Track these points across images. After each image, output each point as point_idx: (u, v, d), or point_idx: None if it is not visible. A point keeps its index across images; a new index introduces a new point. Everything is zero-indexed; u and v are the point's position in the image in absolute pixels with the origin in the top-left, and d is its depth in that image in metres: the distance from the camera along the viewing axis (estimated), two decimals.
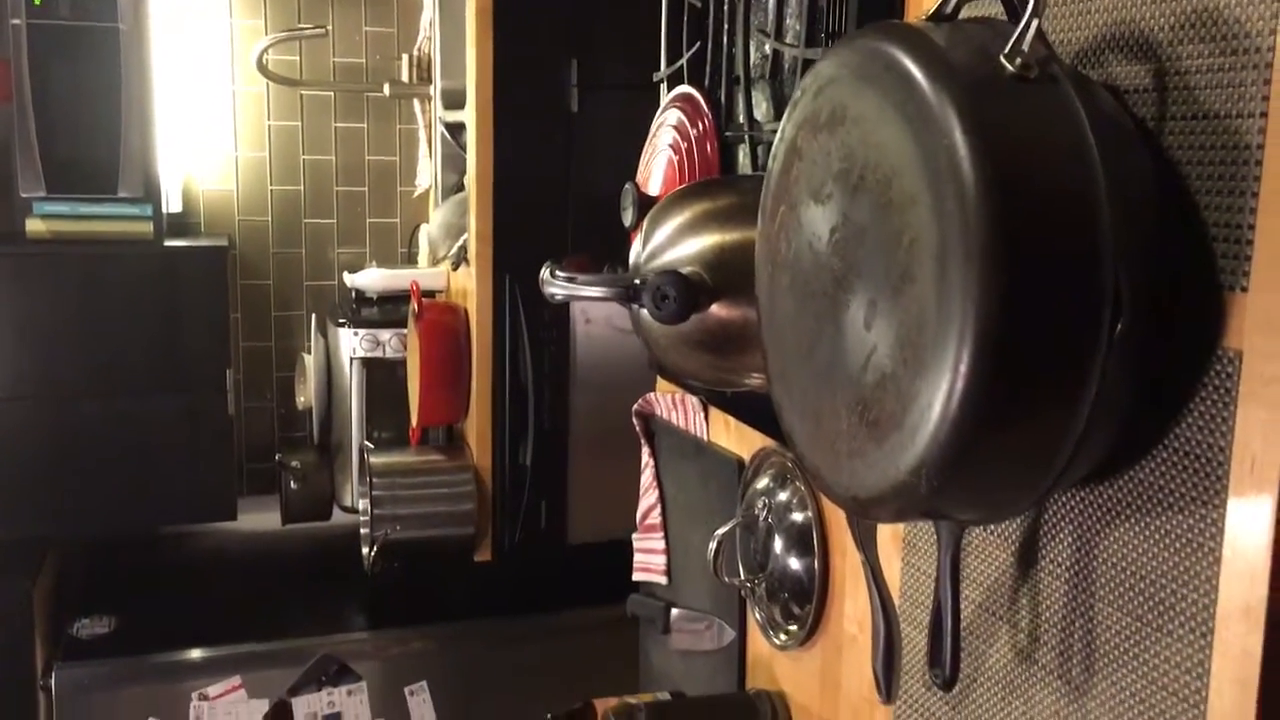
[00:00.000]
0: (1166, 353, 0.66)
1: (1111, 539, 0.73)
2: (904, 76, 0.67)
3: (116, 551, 2.90)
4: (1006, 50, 0.65)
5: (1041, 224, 0.62)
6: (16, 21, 2.57)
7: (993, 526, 0.85)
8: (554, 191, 2.57)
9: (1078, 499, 0.76)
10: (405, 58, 3.03)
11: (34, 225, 2.65)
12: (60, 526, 2.75)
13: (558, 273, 1.05)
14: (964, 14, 0.72)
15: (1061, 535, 0.78)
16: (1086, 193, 0.62)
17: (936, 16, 0.72)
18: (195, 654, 2.44)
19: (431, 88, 2.93)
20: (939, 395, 0.64)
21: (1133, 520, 0.72)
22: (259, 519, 3.00)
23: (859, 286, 0.72)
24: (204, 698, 2.38)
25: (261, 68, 2.93)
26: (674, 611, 1.44)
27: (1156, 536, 0.70)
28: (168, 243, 2.75)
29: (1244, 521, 0.64)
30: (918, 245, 0.66)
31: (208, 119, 3.06)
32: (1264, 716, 0.63)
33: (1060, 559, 0.78)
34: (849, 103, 0.73)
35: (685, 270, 1.01)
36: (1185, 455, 0.67)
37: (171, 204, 2.91)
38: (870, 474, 0.71)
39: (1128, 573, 0.72)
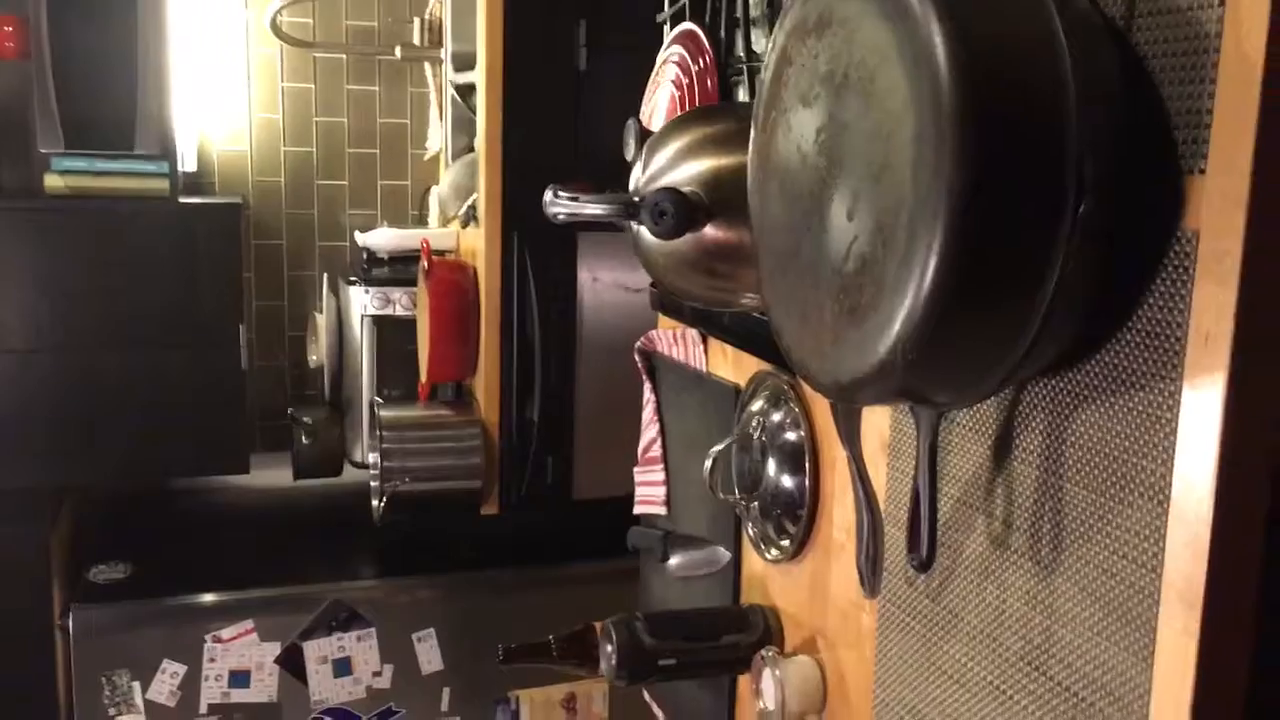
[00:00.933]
0: (1130, 234, 0.70)
1: (1079, 421, 0.77)
2: None
3: (132, 502, 2.96)
4: None
5: (1011, 109, 0.66)
6: None
7: (971, 420, 0.89)
8: (562, 151, 2.61)
9: (1049, 386, 0.80)
10: (417, 21, 3.07)
11: (52, 181, 2.70)
12: (77, 476, 2.80)
13: (561, 193, 1.09)
14: None
15: (1034, 423, 0.82)
16: (1054, 81, 0.66)
17: None
18: (209, 598, 2.50)
19: (442, 51, 2.97)
20: (914, 275, 0.68)
21: (1099, 401, 0.76)
22: (272, 475, 3.05)
23: (842, 180, 0.76)
24: (217, 640, 2.44)
25: (275, 29, 2.97)
26: (673, 538, 1.49)
27: (1120, 414, 0.74)
28: (183, 200, 2.79)
29: (1198, 393, 0.68)
30: (897, 136, 0.70)
31: (222, 80, 3.10)
32: (1211, 577, 0.67)
33: (1032, 446, 0.82)
34: (834, 5, 0.77)
35: (683, 189, 1.05)
36: (1146, 334, 0.71)
37: (187, 163, 2.96)
38: (852, 357, 0.75)
39: (1094, 451, 0.76)
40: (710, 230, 1.08)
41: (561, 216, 1.10)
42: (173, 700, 2.43)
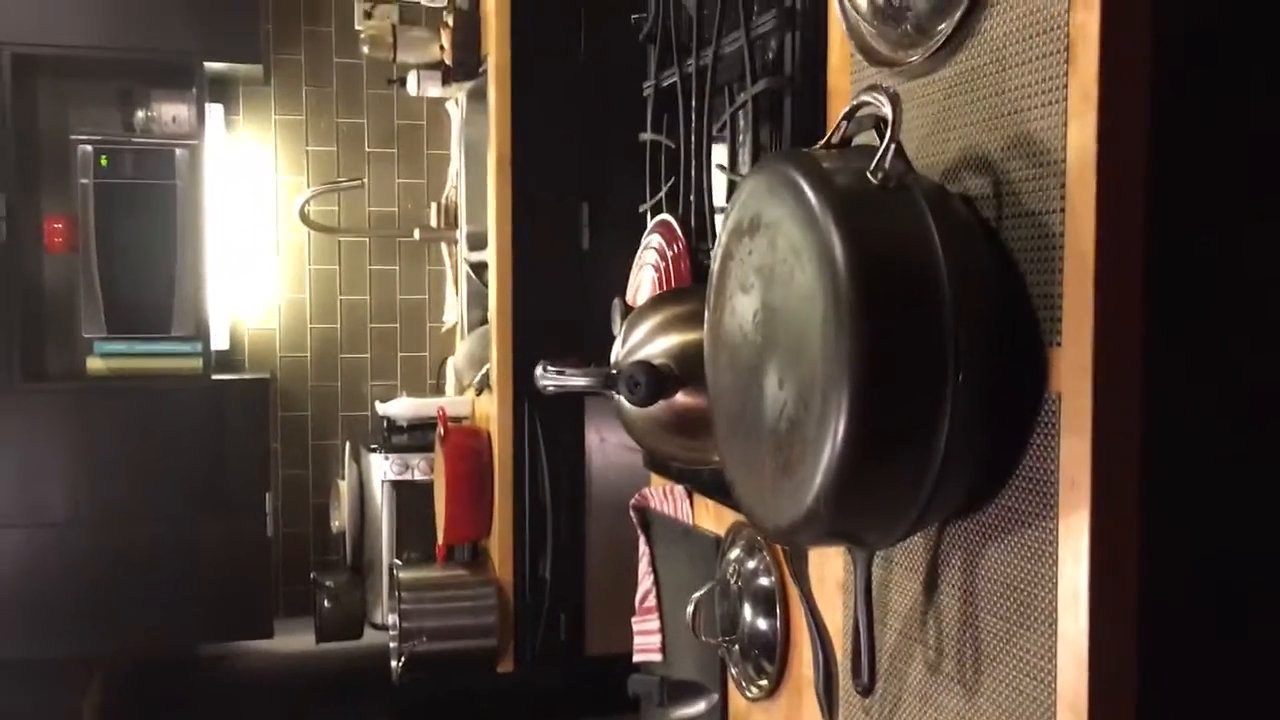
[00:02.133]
0: (1007, 396, 0.84)
1: (988, 556, 0.90)
2: (797, 190, 0.87)
3: (160, 669, 3.05)
4: (871, 167, 0.85)
5: (895, 296, 0.81)
6: (85, 180, 2.86)
7: (905, 562, 1.01)
8: (568, 322, 2.78)
9: (963, 526, 0.92)
10: (434, 205, 3.30)
11: (94, 363, 2.89)
12: (107, 645, 2.91)
13: (549, 368, 1.24)
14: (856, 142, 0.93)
15: (954, 559, 0.94)
16: (929, 273, 0.81)
17: (827, 144, 0.93)
18: None
19: (458, 231, 3.19)
20: (828, 435, 0.81)
21: (1001, 538, 0.88)
22: (294, 639, 3.14)
23: (774, 357, 0.90)
24: None
25: (303, 217, 3.21)
26: (669, 683, 1.58)
27: (1017, 550, 0.86)
28: (215, 377, 2.97)
29: (1070, 530, 0.80)
30: (810, 319, 0.84)
31: (253, 265, 3.33)
32: (1094, 689, 0.79)
33: (953, 580, 0.94)
34: (763, 211, 0.93)
35: (655, 361, 1.20)
36: (1031, 481, 0.84)
37: (219, 342, 3.15)
38: (786, 505, 0.88)
39: (1000, 583, 0.88)
40: (681, 397, 1.22)
41: (550, 388, 1.24)
42: None
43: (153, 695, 2.93)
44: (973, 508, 0.91)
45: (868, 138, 0.91)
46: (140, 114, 3.04)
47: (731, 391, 0.99)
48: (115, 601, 2.87)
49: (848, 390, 0.80)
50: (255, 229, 3.34)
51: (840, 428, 0.80)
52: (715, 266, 1.02)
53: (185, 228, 2.93)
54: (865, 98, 0.88)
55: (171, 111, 3.00)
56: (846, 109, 0.91)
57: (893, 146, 0.85)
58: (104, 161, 2.87)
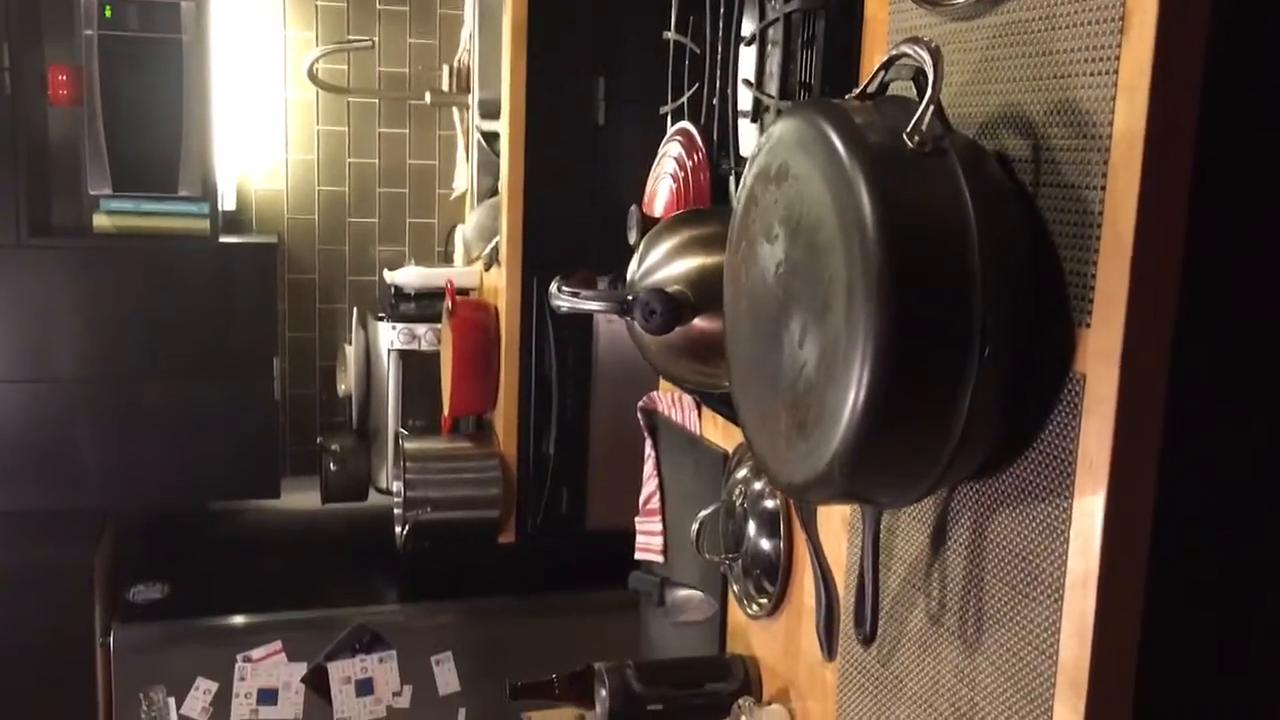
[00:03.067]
0: (1032, 373, 0.83)
1: (997, 522, 0.90)
2: (828, 146, 0.84)
3: (170, 523, 3.12)
4: (909, 128, 0.82)
5: (924, 268, 0.79)
6: (89, 32, 2.78)
7: (913, 512, 1.02)
8: (580, 199, 2.74)
9: (974, 490, 0.92)
10: (446, 68, 3.21)
11: (100, 220, 2.86)
12: (119, 499, 2.97)
13: (563, 288, 1.22)
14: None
15: (963, 519, 0.94)
16: (961, 245, 0.79)
17: (862, 94, 0.89)
18: (240, 619, 2.64)
19: (470, 97, 3.11)
20: (846, 404, 0.81)
21: (1012, 507, 0.88)
22: (301, 498, 3.20)
23: (795, 313, 0.89)
24: (247, 659, 2.59)
25: (312, 76, 3.13)
26: (669, 586, 1.62)
27: (1028, 521, 0.86)
28: (222, 239, 2.95)
29: (1084, 510, 0.80)
30: (835, 282, 0.82)
31: (261, 123, 3.26)
32: (1095, 665, 0.80)
33: (961, 539, 0.95)
34: (791, 162, 0.90)
35: (671, 288, 1.18)
36: (1047, 457, 0.84)
37: (226, 202, 3.12)
38: (800, 464, 0.88)
39: (1008, 550, 0.89)
40: (697, 322, 1.21)
41: (564, 309, 1.23)
42: (205, 716, 2.57)
43: (163, 548, 3.00)
44: (986, 473, 0.91)
45: (903, 86, 0.87)
46: None
47: (750, 338, 0.98)
48: (125, 458, 2.92)
49: (870, 363, 0.78)
50: (263, 87, 3.26)
51: (860, 399, 0.79)
52: (739, 207, 1.00)
53: (191, 84, 2.86)
54: (905, 49, 0.84)
55: None
56: (884, 58, 0.87)
57: (930, 108, 0.81)
58: (108, 12, 2.79)
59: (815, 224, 0.86)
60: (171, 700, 2.56)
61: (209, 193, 2.90)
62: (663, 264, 1.24)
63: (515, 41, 2.69)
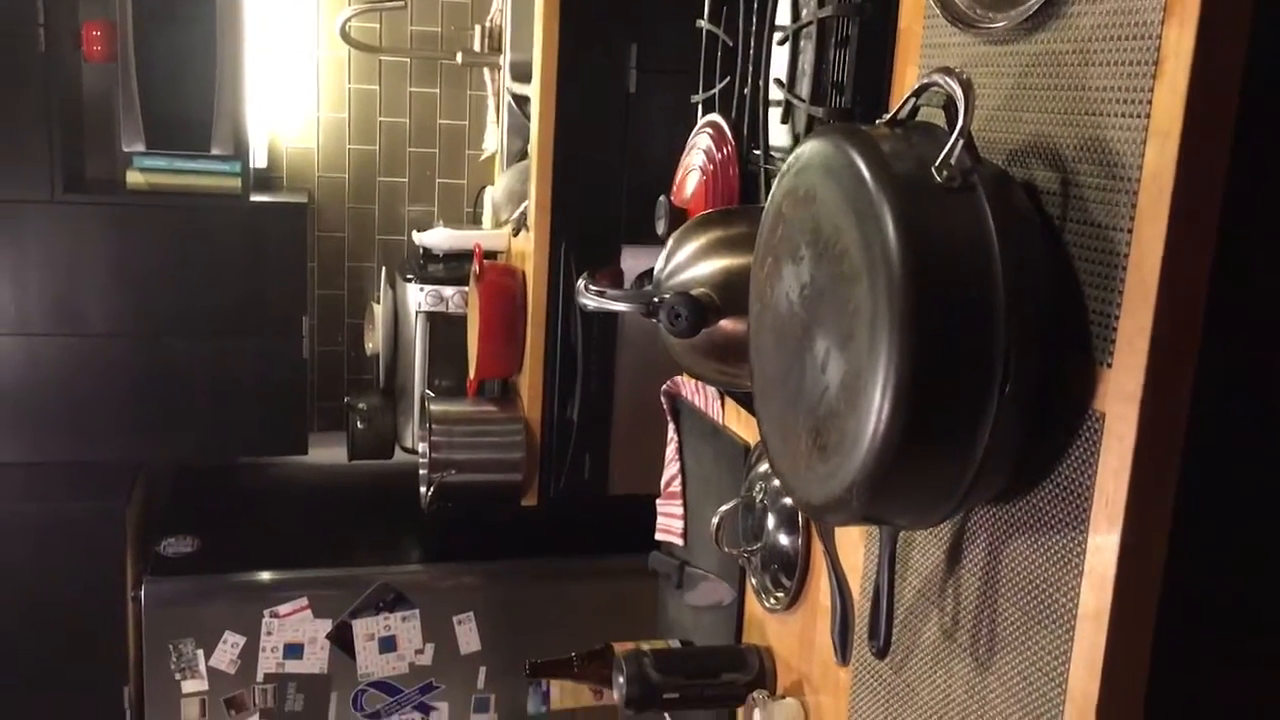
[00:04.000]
0: (1051, 409, 0.84)
1: (1012, 548, 0.91)
2: (856, 175, 0.84)
3: (200, 478, 3.17)
4: (937, 163, 0.82)
5: (948, 306, 0.79)
6: None
7: (931, 529, 1.03)
8: (610, 167, 2.74)
9: (991, 514, 0.94)
10: (478, 28, 3.20)
11: (134, 177, 2.88)
12: (149, 452, 3.02)
13: (590, 286, 1.23)
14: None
15: (978, 541, 0.96)
16: (986, 283, 0.79)
17: (892, 120, 0.89)
18: (267, 575, 2.70)
19: (501, 58, 3.10)
20: (867, 432, 0.82)
21: (1028, 536, 0.89)
22: (328, 454, 3.24)
23: (819, 336, 0.90)
24: (274, 615, 2.64)
25: (344, 35, 3.12)
26: (687, 569, 1.64)
27: (1042, 550, 0.88)
28: (253, 197, 2.97)
29: (1099, 545, 0.81)
30: (859, 313, 0.83)
31: (293, 81, 3.26)
32: (1103, 699, 0.81)
33: (976, 560, 0.96)
34: (818, 186, 0.90)
35: (696, 292, 1.19)
36: (1064, 489, 0.85)
37: (258, 160, 3.13)
38: (818, 486, 0.89)
39: (1022, 576, 0.90)
40: (722, 324, 1.22)
41: (590, 307, 1.24)
42: (233, 669, 2.64)
43: (193, 501, 3.05)
44: (1003, 500, 0.92)
45: (932, 112, 0.87)
46: None
47: (774, 355, 0.99)
48: (155, 412, 2.96)
49: (891, 396, 0.79)
50: (295, 45, 3.26)
51: (880, 431, 0.81)
52: (766, 223, 1.00)
53: (224, 42, 2.86)
54: (937, 78, 0.84)
55: None
56: (915, 86, 0.87)
57: (961, 142, 0.82)
58: None
59: (840, 252, 0.86)
60: (200, 652, 2.62)
61: (241, 151, 2.91)
62: (689, 264, 1.25)
63: (548, 3, 2.67)
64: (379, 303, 3.22)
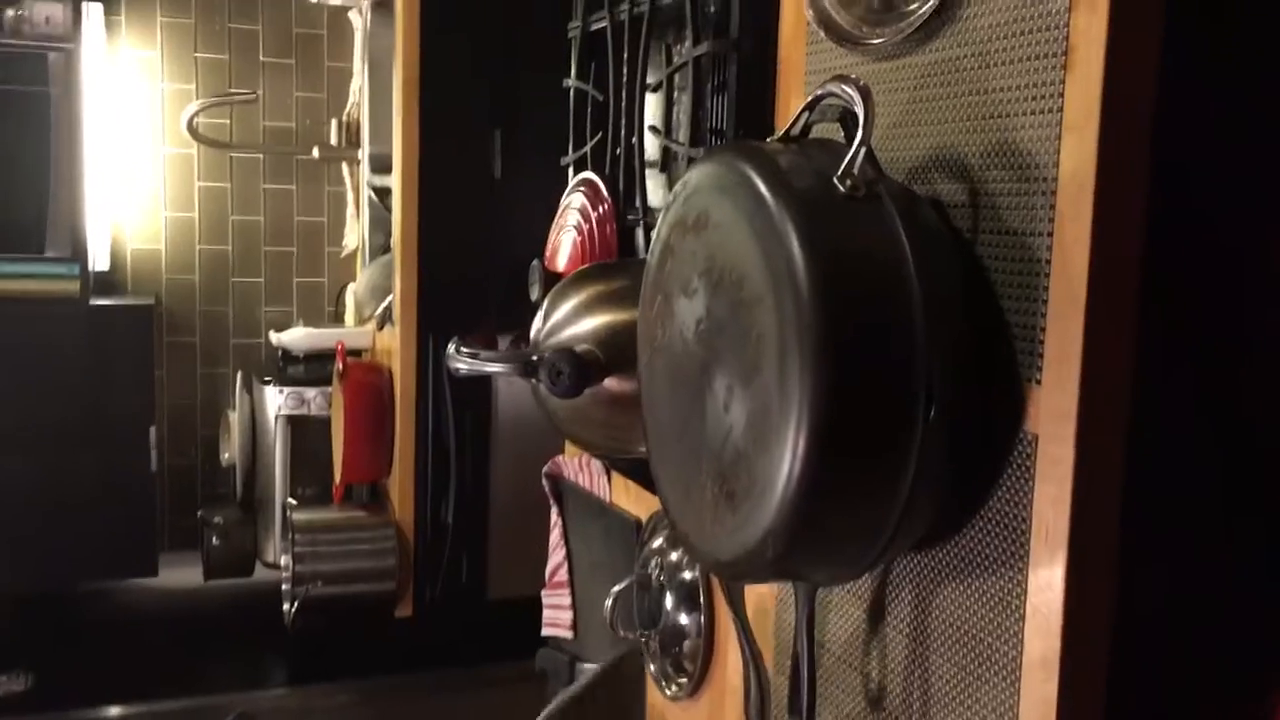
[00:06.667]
0: (978, 435, 0.76)
1: (942, 597, 0.83)
2: (753, 193, 0.77)
3: (36, 606, 2.89)
4: (839, 173, 0.75)
5: (862, 325, 0.72)
6: None
7: (850, 586, 0.94)
8: (477, 254, 2.65)
9: (916, 562, 0.85)
10: (334, 122, 3.11)
11: None
12: None
13: (461, 349, 1.13)
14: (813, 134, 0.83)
15: (903, 594, 0.87)
16: (902, 298, 0.72)
17: (785, 137, 0.83)
18: (114, 711, 2.45)
19: (360, 152, 3.01)
20: (781, 473, 0.73)
21: (958, 581, 0.81)
22: (181, 575, 3.01)
23: (719, 373, 0.81)
24: None
25: (192, 130, 2.99)
26: (579, 665, 1.52)
27: (976, 595, 0.79)
28: (94, 301, 2.78)
29: (1041, 582, 0.73)
30: (764, 341, 0.75)
31: (137, 179, 3.11)
32: None
33: (902, 615, 0.87)
34: (711, 209, 0.83)
35: (579, 348, 1.10)
36: (997, 524, 0.77)
37: (99, 263, 2.95)
38: (728, 540, 0.80)
39: (955, 628, 0.82)
40: (607, 383, 1.13)
41: (462, 371, 1.14)
42: None
43: (28, 635, 2.78)
44: (929, 544, 0.84)
45: (827, 129, 0.81)
46: (9, 13, 2.77)
47: (668, 402, 0.90)
48: None
49: (805, 429, 0.71)
50: (139, 142, 3.11)
51: (795, 469, 0.72)
52: (653, 259, 0.92)
53: (60, 139, 2.70)
54: (832, 88, 0.78)
55: (44, 11, 2.73)
56: (810, 98, 0.81)
57: (863, 150, 0.75)
58: None
59: (740, 277, 0.78)
60: None
61: (79, 252, 2.73)
62: (569, 322, 1.16)
63: (407, 93, 2.60)
64: (235, 410, 3.04)
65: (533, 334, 1.19)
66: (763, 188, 0.76)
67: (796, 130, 0.82)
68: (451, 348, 1.14)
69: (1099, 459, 0.71)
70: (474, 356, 1.12)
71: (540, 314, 1.19)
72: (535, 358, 1.09)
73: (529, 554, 2.20)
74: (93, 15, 2.83)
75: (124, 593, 3.00)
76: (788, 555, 0.76)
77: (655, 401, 0.93)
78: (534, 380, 1.12)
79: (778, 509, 0.74)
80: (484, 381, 2.70)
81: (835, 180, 0.75)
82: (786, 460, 0.72)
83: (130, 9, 3.01)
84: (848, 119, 0.79)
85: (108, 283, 3.04)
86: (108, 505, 2.82)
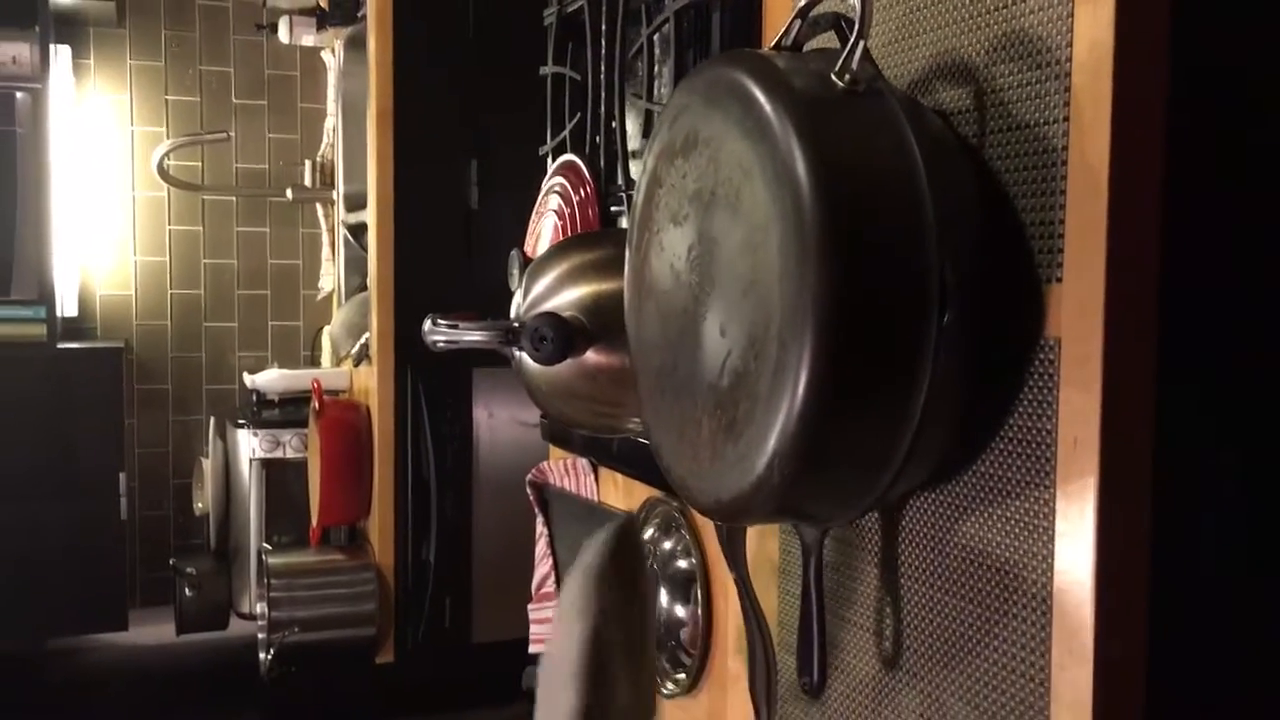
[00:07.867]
0: (995, 342, 0.71)
1: (960, 533, 0.77)
2: (745, 96, 0.72)
3: (3, 667, 2.78)
4: (837, 68, 0.70)
5: (870, 221, 0.67)
6: None
7: (857, 539, 0.88)
8: (455, 287, 2.61)
9: (930, 500, 0.79)
10: (308, 163, 3.07)
11: None
12: None
13: (439, 321, 1.07)
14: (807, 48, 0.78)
15: (917, 538, 0.81)
16: (911, 193, 0.67)
17: (778, 46, 0.78)
18: None
19: (334, 192, 2.97)
20: (786, 387, 0.67)
21: (978, 513, 0.75)
22: (152, 631, 2.90)
23: (714, 296, 0.75)
24: None
25: (162, 172, 2.95)
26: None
27: (999, 524, 0.73)
28: (61, 345, 2.71)
29: (1072, 499, 0.67)
30: (763, 248, 0.70)
31: (107, 223, 3.05)
32: (1099, 686, 0.66)
33: (917, 562, 0.81)
34: (700, 126, 0.78)
35: (563, 314, 1.04)
36: (1019, 443, 0.71)
37: (67, 308, 2.88)
38: (730, 474, 0.74)
39: (976, 564, 0.75)
40: (592, 355, 1.07)
41: (440, 344, 1.08)
42: None
43: None
44: (942, 477, 0.78)
45: (822, 43, 0.77)
46: None
47: (659, 344, 0.84)
48: None
49: (812, 333, 0.65)
50: (109, 185, 3.06)
51: (802, 378, 0.66)
52: (639, 198, 0.87)
53: (27, 180, 2.65)
54: None
55: (11, 51, 2.70)
56: (801, 4, 0.76)
57: (861, 44, 0.71)
58: None
59: (735, 189, 0.73)
60: None
61: (45, 295, 2.67)
62: (550, 293, 1.10)
63: (380, 130, 2.58)
64: (208, 457, 2.95)
65: (513, 310, 1.13)
66: (756, 90, 0.71)
67: (789, 42, 0.78)
68: (427, 322, 1.09)
69: (1128, 357, 0.65)
70: (453, 327, 1.06)
71: (520, 290, 1.14)
72: (517, 324, 1.04)
73: (514, 595, 2.12)
74: (61, 56, 2.80)
75: (94, 650, 2.89)
76: (796, 480, 0.70)
77: (646, 347, 0.87)
78: (516, 351, 1.06)
79: (783, 427, 0.68)
80: (464, 416, 2.63)
81: (833, 76, 0.70)
82: (791, 371, 0.67)
83: (99, 52, 2.99)
84: (842, 24, 0.74)
85: (76, 330, 2.98)
86: (77, 558, 2.72)
